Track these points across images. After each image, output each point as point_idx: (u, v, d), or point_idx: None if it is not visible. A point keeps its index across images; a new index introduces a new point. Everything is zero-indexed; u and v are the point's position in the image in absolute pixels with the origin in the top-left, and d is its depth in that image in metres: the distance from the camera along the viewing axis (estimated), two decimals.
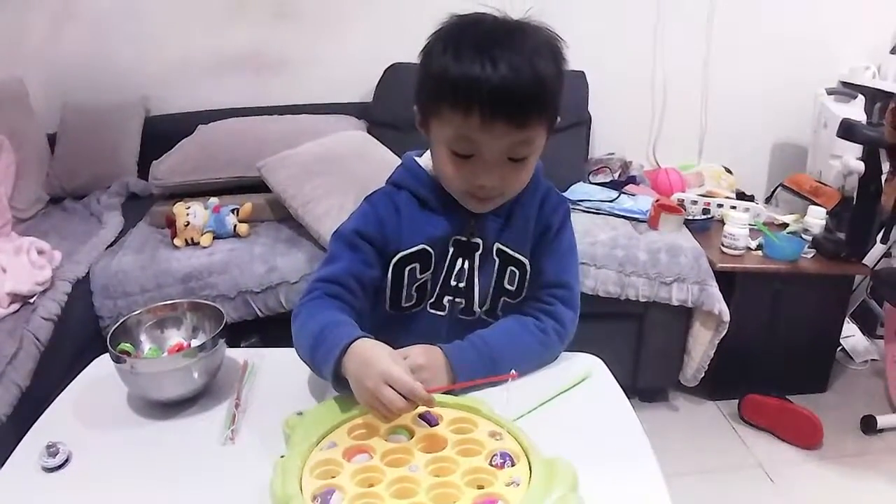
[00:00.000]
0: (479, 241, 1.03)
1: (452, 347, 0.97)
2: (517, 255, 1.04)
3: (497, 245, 1.03)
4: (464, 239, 1.03)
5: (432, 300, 1.06)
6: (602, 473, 0.77)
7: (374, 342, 0.87)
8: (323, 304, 0.98)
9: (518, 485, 0.72)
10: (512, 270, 1.04)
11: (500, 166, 0.92)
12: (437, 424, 0.83)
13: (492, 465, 0.76)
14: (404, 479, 0.74)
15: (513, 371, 0.89)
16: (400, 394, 0.79)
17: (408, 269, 1.03)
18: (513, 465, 0.75)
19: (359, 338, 0.87)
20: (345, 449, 0.80)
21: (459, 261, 1.03)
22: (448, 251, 1.03)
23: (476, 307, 1.06)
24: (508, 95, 0.86)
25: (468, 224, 1.02)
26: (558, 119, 0.95)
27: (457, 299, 1.06)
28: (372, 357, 0.83)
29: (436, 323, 1.06)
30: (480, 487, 0.73)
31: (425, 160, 1.05)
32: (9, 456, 0.88)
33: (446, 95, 0.89)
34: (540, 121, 0.90)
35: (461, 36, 0.89)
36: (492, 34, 0.88)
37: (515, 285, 1.05)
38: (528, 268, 1.04)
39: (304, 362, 0.95)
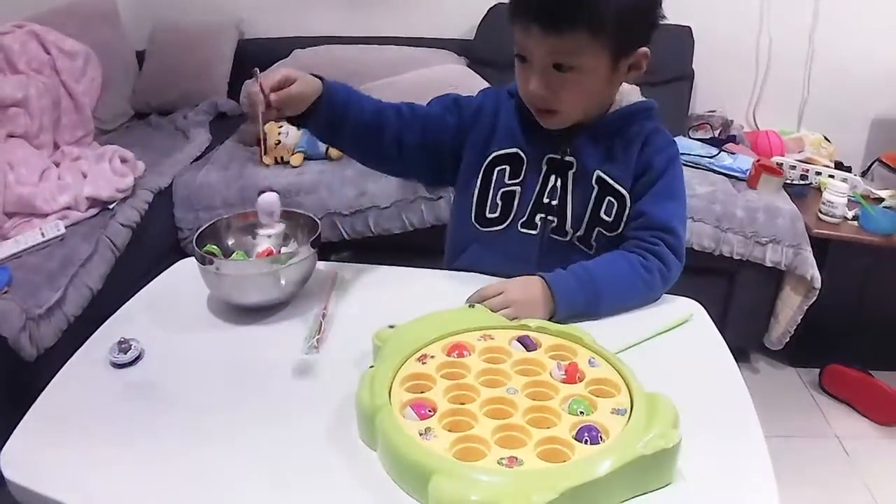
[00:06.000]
0: (573, 160, 1.03)
1: (555, 277, 0.96)
2: (617, 186, 1.03)
3: (598, 173, 1.03)
4: (557, 157, 1.04)
5: (524, 219, 1.06)
6: (700, 417, 0.73)
7: (335, 82, 0.99)
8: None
9: (623, 413, 0.70)
10: (610, 201, 1.03)
11: (544, 73, 0.94)
12: (536, 350, 0.80)
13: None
14: (499, 401, 0.72)
15: None
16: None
17: (497, 169, 1.05)
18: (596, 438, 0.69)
19: (340, 85, 0.99)
20: (439, 364, 0.77)
21: (553, 178, 1.04)
22: (541, 169, 1.05)
23: (568, 227, 1.05)
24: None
25: (561, 144, 1.03)
26: (638, 50, 0.95)
27: (549, 217, 1.06)
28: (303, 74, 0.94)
29: (527, 243, 1.06)
30: (581, 414, 0.70)
31: None
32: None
33: (511, 6, 0.95)
34: (581, 30, 0.89)
35: None
36: None
37: (612, 217, 1.04)
38: (628, 201, 1.03)
39: None
